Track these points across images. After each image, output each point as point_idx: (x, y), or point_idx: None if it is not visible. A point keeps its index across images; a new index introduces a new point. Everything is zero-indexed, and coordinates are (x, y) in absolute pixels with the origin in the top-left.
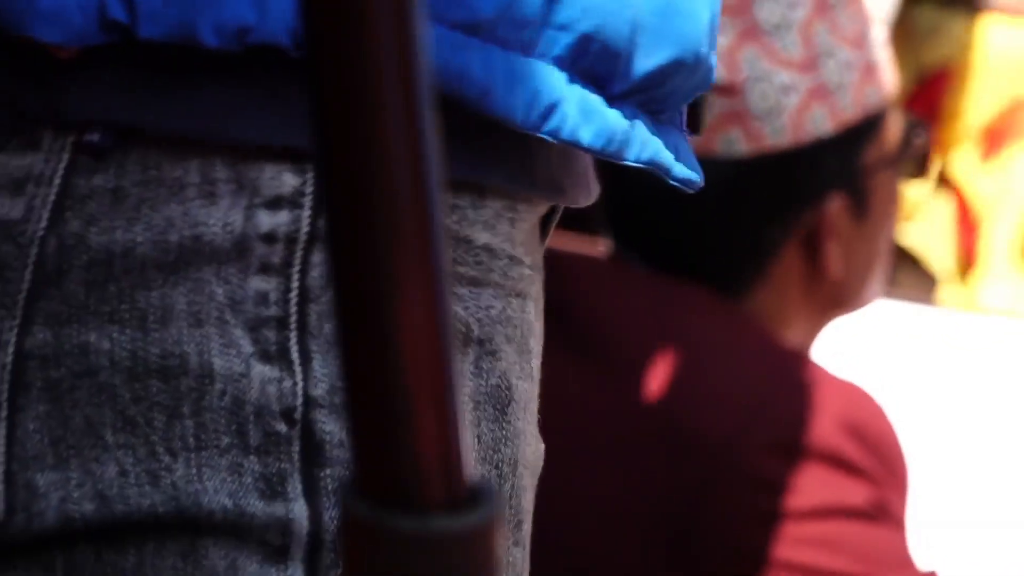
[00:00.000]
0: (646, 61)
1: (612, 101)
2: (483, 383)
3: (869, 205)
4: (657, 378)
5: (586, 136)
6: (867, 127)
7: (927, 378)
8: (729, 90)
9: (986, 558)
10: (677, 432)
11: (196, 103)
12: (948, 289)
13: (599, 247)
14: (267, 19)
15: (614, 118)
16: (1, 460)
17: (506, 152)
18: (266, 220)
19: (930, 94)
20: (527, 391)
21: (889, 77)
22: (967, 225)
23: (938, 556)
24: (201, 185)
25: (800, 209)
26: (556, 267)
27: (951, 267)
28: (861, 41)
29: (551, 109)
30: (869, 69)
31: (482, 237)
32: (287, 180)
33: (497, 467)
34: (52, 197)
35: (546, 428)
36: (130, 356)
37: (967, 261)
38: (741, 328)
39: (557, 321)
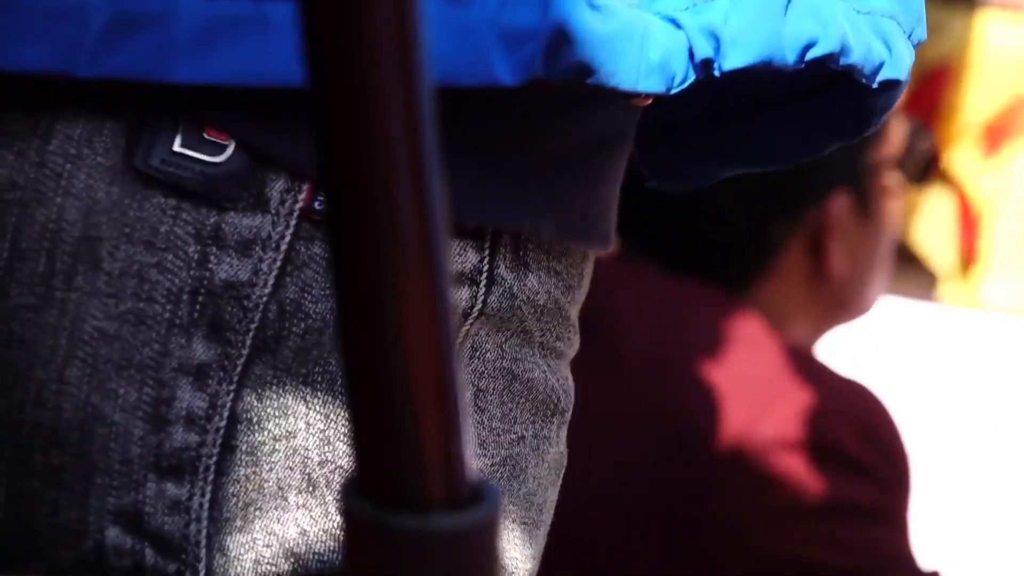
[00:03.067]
0: None
1: None
2: (557, 452)
3: (873, 205)
4: (665, 376)
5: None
6: None
7: (928, 375)
8: None
9: (987, 555)
10: (685, 430)
11: None
12: (949, 286)
13: None
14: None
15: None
16: (204, 525)
17: (606, 222)
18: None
19: (930, 91)
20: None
21: None
22: (968, 222)
23: (940, 553)
24: None
25: (804, 207)
26: None
27: (952, 264)
28: None
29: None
30: None
31: (573, 314)
32: (470, 257)
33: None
34: (278, 262)
35: None
36: (323, 419)
37: (968, 258)
38: (748, 327)
39: None
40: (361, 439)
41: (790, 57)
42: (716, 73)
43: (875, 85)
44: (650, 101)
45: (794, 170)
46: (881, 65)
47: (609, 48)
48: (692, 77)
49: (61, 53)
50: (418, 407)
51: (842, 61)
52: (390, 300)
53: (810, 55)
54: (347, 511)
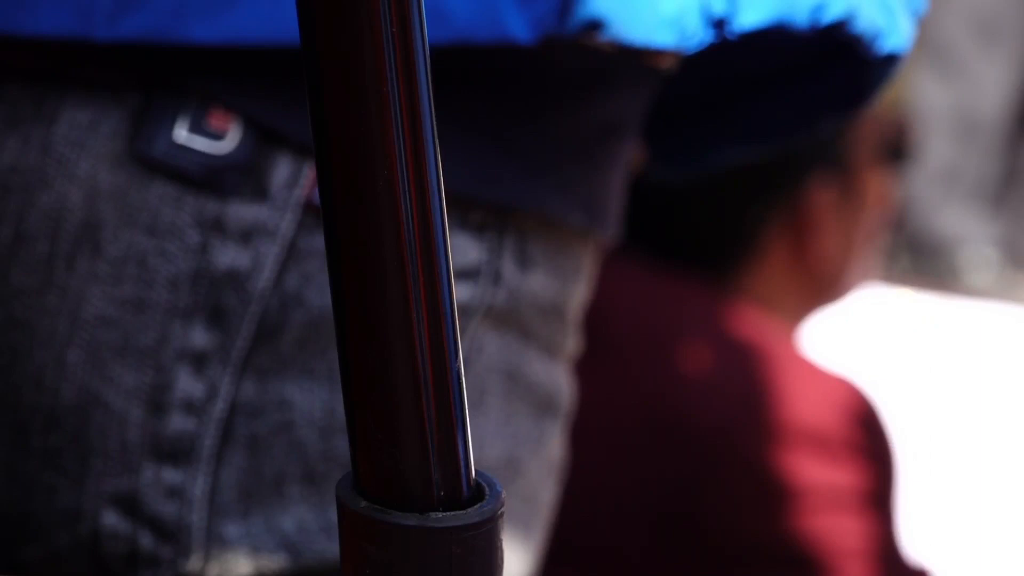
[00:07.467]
0: None
1: None
2: (556, 451)
3: (854, 189)
4: (657, 368)
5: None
6: None
7: (927, 369)
8: None
9: (985, 551)
10: (677, 422)
11: None
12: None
13: None
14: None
15: None
16: (204, 515)
17: (613, 208)
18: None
19: None
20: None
21: None
22: None
23: (933, 548)
24: None
25: (780, 189)
26: None
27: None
28: None
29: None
30: None
31: (575, 314)
32: (476, 253)
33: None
34: (280, 253)
35: None
36: (324, 412)
37: None
38: (739, 320)
39: None
40: (360, 437)
41: (802, 19)
42: (729, 34)
43: (877, 57)
44: (665, 64)
45: (773, 153)
46: (884, 36)
47: (622, 0)
48: (706, 37)
49: (78, 13)
50: (419, 404)
51: (849, 29)
52: (389, 300)
53: (821, 18)
54: (344, 508)
